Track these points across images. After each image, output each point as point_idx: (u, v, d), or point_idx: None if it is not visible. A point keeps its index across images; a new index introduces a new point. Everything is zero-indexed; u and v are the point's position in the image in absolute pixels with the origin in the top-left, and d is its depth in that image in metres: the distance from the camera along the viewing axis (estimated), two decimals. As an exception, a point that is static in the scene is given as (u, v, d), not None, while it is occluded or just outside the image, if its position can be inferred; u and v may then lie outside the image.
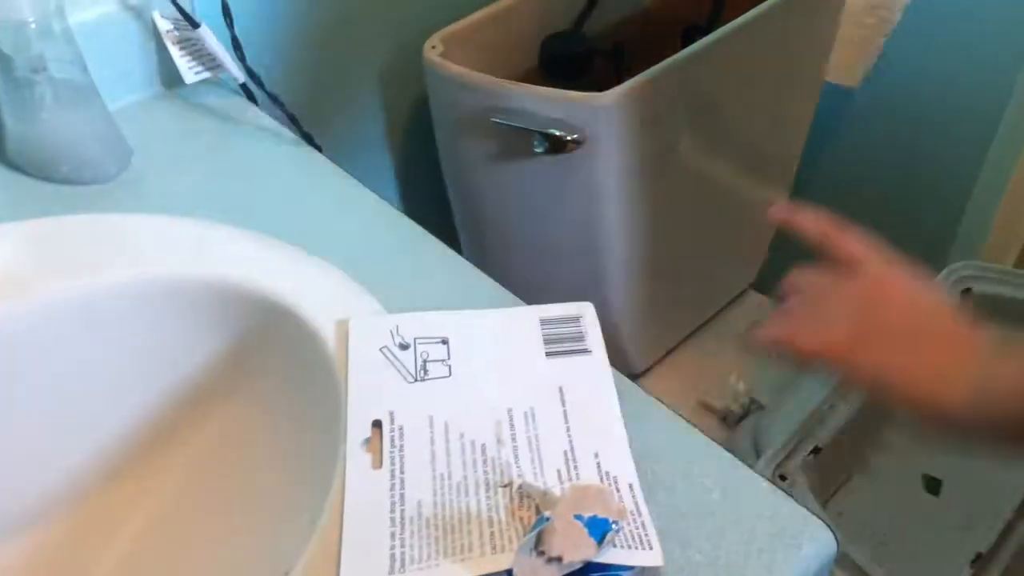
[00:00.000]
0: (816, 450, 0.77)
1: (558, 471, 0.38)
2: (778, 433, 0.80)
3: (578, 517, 0.34)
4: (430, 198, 0.87)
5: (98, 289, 0.46)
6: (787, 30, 0.82)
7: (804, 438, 0.78)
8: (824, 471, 0.77)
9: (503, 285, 0.49)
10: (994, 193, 1.07)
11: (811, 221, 0.46)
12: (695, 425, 0.43)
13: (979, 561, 0.69)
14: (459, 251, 0.87)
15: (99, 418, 0.48)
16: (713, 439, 0.71)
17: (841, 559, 0.70)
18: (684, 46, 0.73)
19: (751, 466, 0.75)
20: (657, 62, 0.71)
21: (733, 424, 0.91)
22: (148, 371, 0.48)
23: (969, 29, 0.98)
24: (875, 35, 0.93)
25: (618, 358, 0.94)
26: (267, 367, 0.47)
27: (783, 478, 0.75)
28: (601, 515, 0.35)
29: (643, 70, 0.70)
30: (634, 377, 0.98)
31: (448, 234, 0.87)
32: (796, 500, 0.73)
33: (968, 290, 0.89)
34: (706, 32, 0.75)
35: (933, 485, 0.78)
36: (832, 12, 0.87)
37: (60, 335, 0.46)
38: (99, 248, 0.48)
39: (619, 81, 0.69)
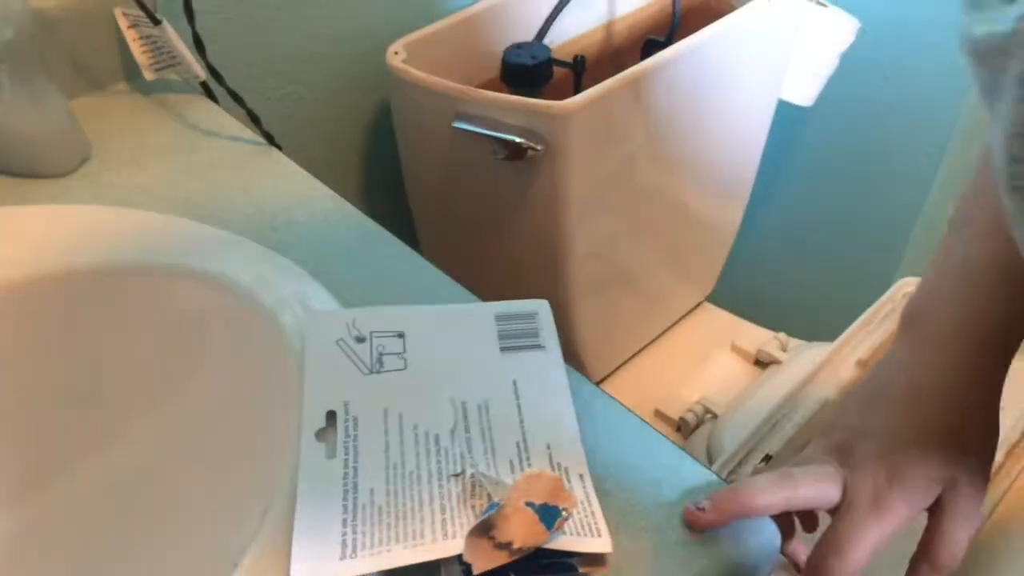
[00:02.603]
0: (767, 458, 0.78)
1: (510, 462, 0.39)
2: (730, 441, 0.81)
3: (529, 504, 0.35)
4: (391, 203, 0.87)
5: (60, 276, 0.46)
6: (744, 47, 0.84)
7: (756, 446, 0.79)
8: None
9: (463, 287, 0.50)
10: (942, 210, 1.10)
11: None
12: (647, 423, 0.44)
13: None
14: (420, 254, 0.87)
15: (47, 407, 0.48)
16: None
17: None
18: (644, 59, 0.74)
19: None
20: (617, 74, 0.72)
21: (688, 433, 0.93)
22: (105, 357, 0.48)
23: (921, 51, 1.01)
24: (829, 55, 0.96)
25: (575, 366, 0.95)
26: (225, 356, 0.47)
27: (735, 485, 0.76)
28: (552, 503, 0.35)
29: (603, 81, 0.71)
30: (591, 386, 0.99)
31: (409, 239, 0.87)
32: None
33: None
34: (665, 46, 0.77)
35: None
36: (788, 31, 0.89)
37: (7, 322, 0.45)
38: (53, 238, 0.48)
39: (579, 91, 0.70)
